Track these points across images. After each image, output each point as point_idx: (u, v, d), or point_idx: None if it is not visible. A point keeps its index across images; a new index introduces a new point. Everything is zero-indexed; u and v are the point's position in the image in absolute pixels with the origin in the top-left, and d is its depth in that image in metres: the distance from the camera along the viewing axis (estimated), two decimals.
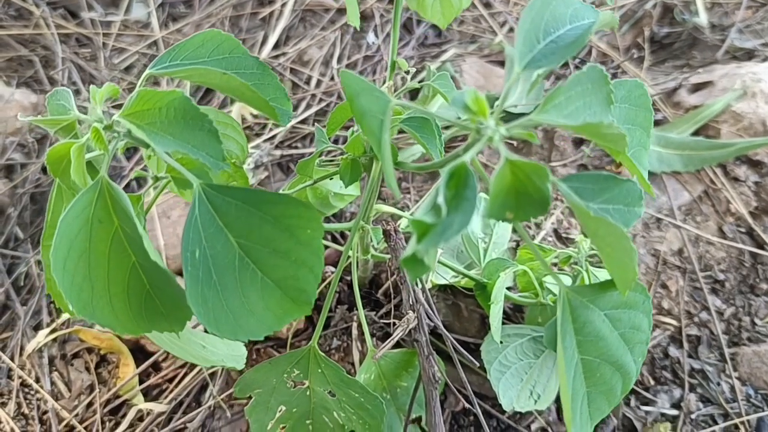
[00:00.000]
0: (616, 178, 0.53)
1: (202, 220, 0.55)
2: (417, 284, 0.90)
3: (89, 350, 1.11)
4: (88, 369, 1.09)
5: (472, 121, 0.50)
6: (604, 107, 0.53)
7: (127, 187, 1.30)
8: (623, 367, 0.59)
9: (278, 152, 1.25)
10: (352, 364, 1.01)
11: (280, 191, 0.86)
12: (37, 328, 1.13)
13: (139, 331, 0.59)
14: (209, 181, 0.59)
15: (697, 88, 1.32)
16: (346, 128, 1.20)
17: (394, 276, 1.05)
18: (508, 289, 0.94)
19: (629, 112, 0.65)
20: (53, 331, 1.12)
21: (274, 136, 1.31)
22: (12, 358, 1.08)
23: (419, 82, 0.75)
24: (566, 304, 0.57)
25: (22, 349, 1.10)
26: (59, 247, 0.53)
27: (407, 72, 0.69)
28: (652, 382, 1.05)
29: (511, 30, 1.48)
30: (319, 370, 0.79)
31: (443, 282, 0.97)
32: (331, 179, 0.89)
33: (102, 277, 0.56)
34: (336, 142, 1.27)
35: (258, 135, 1.34)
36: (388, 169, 0.52)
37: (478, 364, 0.86)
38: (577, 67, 1.44)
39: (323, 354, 0.78)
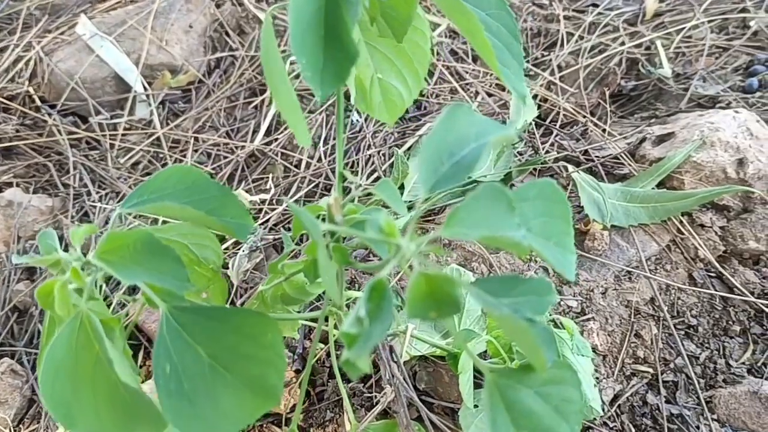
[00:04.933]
0: (520, 278, 0.60)
1: (170, 338, 0.64)
2: (393, 359, 0.98)
3: None
4: None
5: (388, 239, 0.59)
6: (507, 211, 0.61)
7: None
8: None
9: (271, 236, 1.35)
10: None
11: (260, 287, 0.95)
12: None
13: None
14: (182, 297, 0.69)
15: (661, 140, 1.39)
16: None
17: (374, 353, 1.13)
18: (482, 355, 1.01)
19: (545, 205, 0.72)
20: None
21: (267, 220, 1.41)
22: None
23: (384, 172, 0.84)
24: (494, 387, 0.64)
25: None
26: (47, 372, 0.63)
27: (355, 184, 0.78)
28: (633, 430, 1.10)
29: (484, 99, 1.57)
30: None
31: (419, 354, 1.04)
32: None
33: (88, 395, 0.66)
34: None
35: (254, 219, 1.44)
36: (330, 285, 0.61)
37: (459, 430, 0.92)
38: (550, 130, 1.52)
39: None
